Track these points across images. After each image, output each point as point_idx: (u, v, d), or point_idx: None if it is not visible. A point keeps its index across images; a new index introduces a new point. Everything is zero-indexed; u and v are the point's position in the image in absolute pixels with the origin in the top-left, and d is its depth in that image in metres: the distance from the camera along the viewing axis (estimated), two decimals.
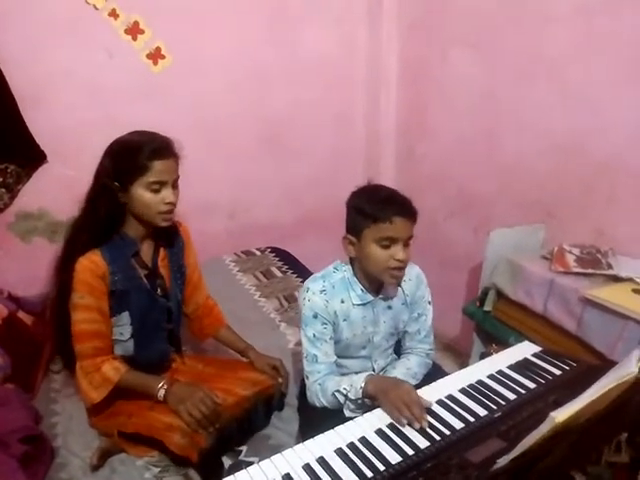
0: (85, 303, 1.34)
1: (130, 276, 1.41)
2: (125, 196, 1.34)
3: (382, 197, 1.27)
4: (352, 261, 1.37)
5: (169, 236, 1.52)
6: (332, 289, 1.35)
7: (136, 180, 1.32)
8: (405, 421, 1.07)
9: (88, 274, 1.33)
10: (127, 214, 1.38)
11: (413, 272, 1.43)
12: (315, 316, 1.33)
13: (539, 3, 1.96)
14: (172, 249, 1.54)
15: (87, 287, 1.34)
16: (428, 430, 1.04)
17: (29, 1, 2.02)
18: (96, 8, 2.13)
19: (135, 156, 1.31)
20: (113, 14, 2.16)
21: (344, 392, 1.26)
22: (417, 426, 1.06)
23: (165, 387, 1.35)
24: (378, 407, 1.17)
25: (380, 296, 1.39)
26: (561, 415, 0.60)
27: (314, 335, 1.34)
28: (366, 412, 1.19)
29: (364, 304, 1.37)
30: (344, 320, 1.36)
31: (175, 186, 1.39)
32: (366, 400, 1.23)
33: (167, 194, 1.35)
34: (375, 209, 1.24)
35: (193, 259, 1.64)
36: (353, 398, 1.24)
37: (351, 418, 1.14)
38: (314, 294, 1.34)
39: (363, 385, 1.22)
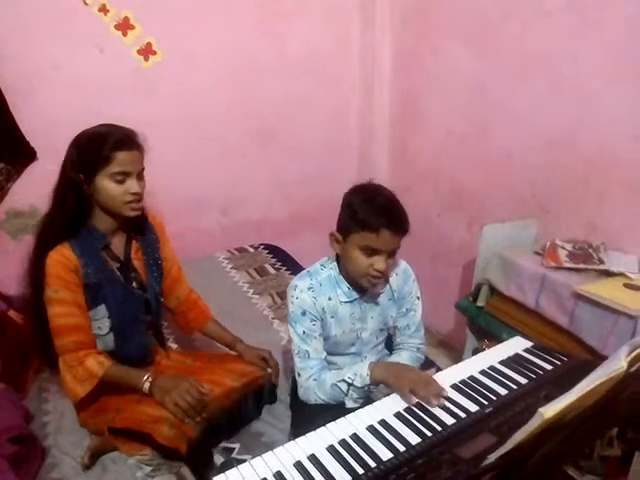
0: (60, 297, 1.34)
1: (101, 269, 1.41)
2: (90, 188, 1.34)
3: (376, 205, 1.24)
4: (338, 258, 1.37)
5: (140, 228, 1.52)
6: (319, 286, 1.35)
7: (100, 171, 1.32)
8: (415, 401, 1.10)
9: (60, 267, 1.33)
10: (95, 207, 1.38)
11: (400, 268, 1.43)
12: (304, 313, 1.33)
13: None
14: (145, 241, 1.54)
15: (60, 281, 1.33)
16: (419, 425, 1.04)
17: None
18: (86, 3, 2.11)
19: (99, 147, 1.32)
20: (103, 9, 2.15)
21: (349, 381, 1.26)
22: (435, 404, 1.08)
23: (150, 380, 1.35)
24: (374, 395, 1.18)
25: (367, 293, 1.38)
26: (550, 411, 0.60)
27: (304, 332, 1.34)
28: (366, 403, 1.21)
29: (351, 301, 1.37)
30: (332, 317, 1.37)
31: (140, 177, 1.39)
32: (372, 386, 1.24)
33: (131, 184, 1.35)
34: (366, 217, 1.22)
35: (169, 252, 1.63)
36: (359, 386, 1.25)
37: (344, 412, 1.15)
38: (302, 291, 1.33)
39: (369, 372, 1.23)
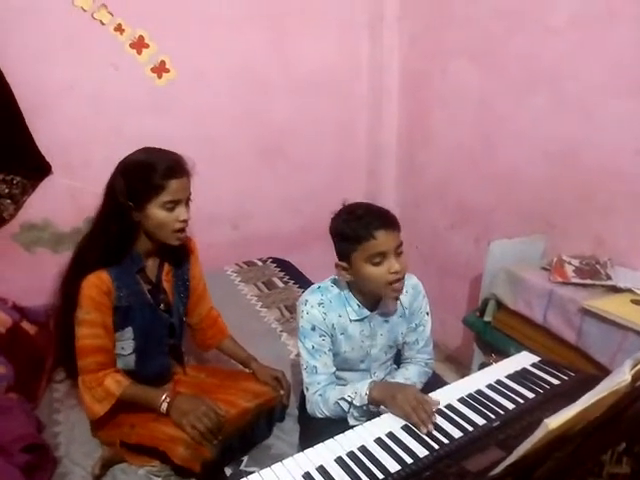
0: (90, 319, 1.34)
1: (134, 291, 1.41)
2: (139, 215, 1.34)
3: (358, 216, 1.25)
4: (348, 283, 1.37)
5: (176, 251, 1.51)
6: (330, 303, 1.35)
7: (151, 199, 1.32)
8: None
9: (94, 290, 1.33)
10: (139, 232, 1.38)
11: (410, 283, 1.43)
12: (313, 328, 1.34)
13: (536, 15, 2.00)
14: (177, 263, 1.54)
15: (93, 303, 1.34)
16: (426, 439, 1.05)
17: (36, 15, 2.06)
18: (102, 23, 2.17)
19: (150, 175, 1.31)
20: (119, 29, 2.21)
21: (349, 399, 1.26)
22: (424, 430, 1.07)
23: (167, 400, 1.35)
24: (381, 414, 1.18)
25: (377, 311, 1.39)
26: (554, 422, 0.61)
27: (313, 347, 1.34)
28: (369, 419, 1.21)
29: (361, 319, 1.37)
30: (342, 334, 1.37)
31: (188, 204, 1.40)
32: (371, 406, 1.24)
33: (181, 212, 1.36)
34: (355, 230, 1.23)
35: (198, 271, 1.64)
36: (358, 405, 1.25)
37: (352, 426, 1.16)
38: (312, 307, 1.34)
39: (368, 391, 1.24)
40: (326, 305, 1.34)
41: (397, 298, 1.37)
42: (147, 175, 1.32)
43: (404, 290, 1.38)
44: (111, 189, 1.36)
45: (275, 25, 2.58)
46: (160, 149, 1.40)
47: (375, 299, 1.37)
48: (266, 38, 2.57)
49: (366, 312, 1.36)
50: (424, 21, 2.57)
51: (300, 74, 2.70)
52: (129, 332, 1.43)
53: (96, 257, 1.35)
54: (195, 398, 1.38)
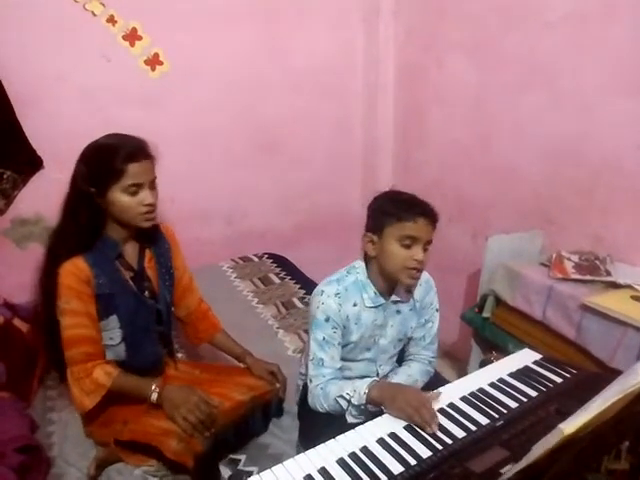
0: (72, 308, 1.33)
1: (115, 279, 1.40)
2: (103, 201, 1.33)
3: (406, 198, 1.31)
4: (367, 262, 1.37)
5: (153, 237, 1.51)
6: (345, 292, 1.35)
7: (113, 184, 1.31)
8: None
9: (72, 279, 1.32)
10: (108, 217, 1.37)
11: (423, 277, 1.43)
12: (327, 319, 1.32)
13: (534, 11, 1.98)
14: (158, 250, 1.53)
15: (72, 292, 1.32)
16: (429, 439, 1.04)
17: (27, 6, 2.02)
18: (94, 14, 2.13)
19: (110, 160, 1.30)
20: (111, 20, 2.16)
21: (347, 397, 1.25)
22: (429, 430, 1.06)
23: (157, 390, 1.34)
24: (380, 413, 1.16)
25: (392, 299, 1.38)
26: (569, 427, 0.59)
27: (324, 338, 1.33)
28: (368, 418, 1.19)
29: (376, 307, 1.36)
30: (355, 323, 1.36)
31: (153, 187, 1.38)
32: (369, 406, 1.22)
33: (145, 196, 1.34)
34: (400, 208, 1.27)
35: (181, 261, 1.62)
36: (356, 404, 1.23)
37: (353, 424, 1.14)
38: (328, 297, 1.33)
39: (367, 391, 1.22)
40: (342, 295, 1.34)
41: (410, 290, 1.39)
42: (107, 160, 1.31)
43: (417, 283, 1.40)
44: (74, 176, 1.35)
45: (270, 19, 2.54)
46: (122, 134, 1.38)
47: (391, 286, 1.37)
48: (261, 32, 2.53)
49: (381, 300, 1.36)
50: (420, 15, 2.55)
51: (295, 68, 2.67)
52: (114, 320, 1.41)
53: (69, 246, 1.34)
54: (186, 387, 1.37)
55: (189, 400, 1.30)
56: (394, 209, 1.27)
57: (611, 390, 0.68)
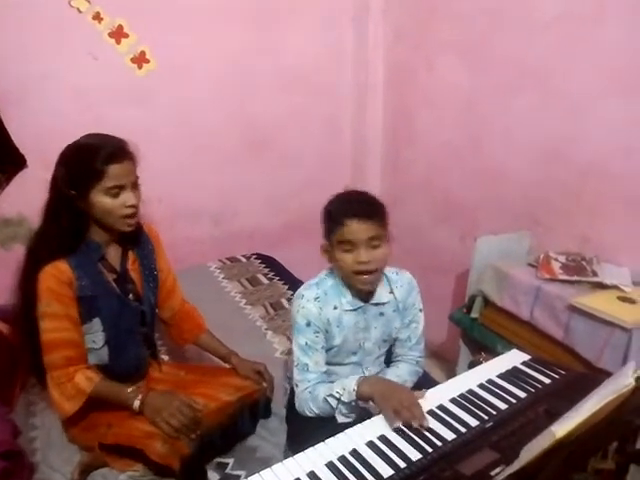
0: (52, 311, 1.30)
1: (97, 281, 1.37)
2: (84, 203, 1.30)
3: (341, 200, 1.30)
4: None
5: (136, 239, 1.48)
6: (325, 295, 1.34)
7: (93, 187, 1.28)
8: (399, 424, 1.07)
9: (53, 281, 1.29)
10: (90, 220, 1.34)
11: (405, 278, 1.43)
12: (308, 324, 1.32)
13: (524, 13, 1.98)
14: (142, 252, 1.50)
15: (53, 294, 1.29)
16: (419, 441, 1.03)
17: (11, 4, 1.98)
18: (80, 11, 2.09)
19: (89, 162, 1.27)
20: (97, 17, 2.13)
21: (337, 395, 1.25)
22: (417, 424, 1.05)
23: (139, 398, 1.31)
24: (370, 412, 1.16)
25: (371, 302, 1.37)
26: (561, 430, 0.59)
27: (306, 343, 1.32)
28: (358, 417, 1.20)
29: (355, 309, 1.36)
30: (337, 326, 1.35)
31: (135, 188, 1.36)
32: (359, 402, 1.22)
33: (127, 197, 1.32)
34: (334, 213, 1.27)
35: (165, 263, 1.60)
36: (346, 401, 1.23)
37: (342, 425, 1.13)
38: (308, 301, 1.32)
39: (356, 387, 1.21)
40: (322, 299, 1.33)
41: (368, 291, 1.36)
42: (87, 161, 1.28)
43: (398, 284, 1.40)
44: (54, 179, 1.32)
45: (259, 17, 2.52)
46: (102, 134, 1.35)
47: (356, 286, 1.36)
48: (250, 30, 2.51)
49: (359, 303, 1.36)
50: (410, 15, 2.54)
51: (284, 67, 2.65)
52: (97, 324, 1.38)
53: (50, 249, 1.31)
54: (168, 394, 1.34)
55: (171, 405, 1.27)
56: (330, 215, 1.28)
57: (602, 392, 0.67)
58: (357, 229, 1.23)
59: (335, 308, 1.34)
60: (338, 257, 1.27)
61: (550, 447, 0.61)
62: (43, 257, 1.30)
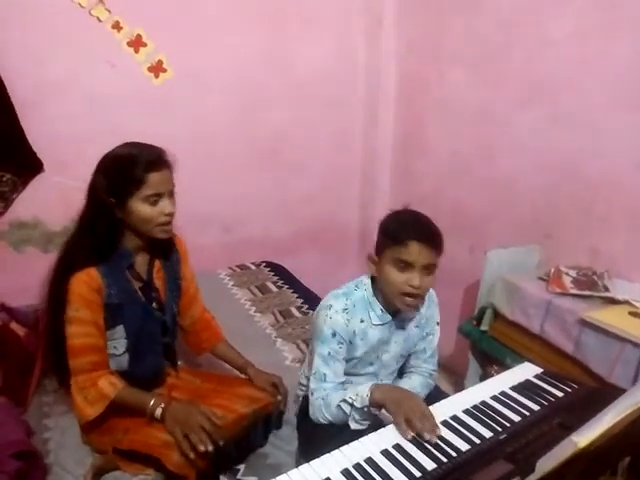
0: (80, 316, 1.31)
1: (125, 289, 1.39)
2: (122, 211, 1.32)
3: (404, 220, 1.29)
4: (373, 279, 1.37)
5: (165, 248, 1.50)
6: (353, 308, 1.34)
7: (133, 194, 1.30)
8: (410, 435, 1.07)
9: (84, 287, 1.30)
10: (124, 228, 1.36)
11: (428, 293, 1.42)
12: (334, 334, 1.32)
13: (536, 27, 2.01)
14: (168, 261, 1.52)
15: (82, 300, 1.31)
16: (434, 451, 1.04)
17: (32, 10, 2.03)
18: (100, 20, 2.14)
19: (130, 170, 1.29)
20: (116, 26, 2.18)
21: (350, 401, 1.25)
22: (428, 437, 1.05)
23: (162, 406, 1.31)
24: (382, 419, 1.16)
25: (398, 318, 1.38)
26: (583, 440, 0.60)
27: (329, 353, 1.32)
28: (371, 424, 1.20)
29: (383, 324, 1.36)
30: (361, 339, 1.35)
31: (171, 196, 1.37)
32: (372, 409, 1.23)
33: (165, 205, 1.34)
34: (396, 230, 1.26)
35: (189, 272, 1.62)
36: (359, 406, 1.23)
37: (354, 433, 1.14)
38: (336, 312, 1.32)
39: (369, 393, 1.22)
40: (350, 311, 1.33)
41: (417, 309, 1.36)
42: (127, 170, 1.29)
43: (415, 310, 1.39)
44: (93, 187, 1.34)
45: (273, 28, 2.57)
46: (140, 143, 1.37)
47: (395, 305, 1.36)
48: (264, 41, 2.56)
49: (388, 317, 1.36)
50: (422, 27, 2.58)
51: (297, 77, 2.69)
52: (120, 331, 1.39)
53: (83, 257, 1.32)
54: (190, 406, 1.33)
55: (192, 417, 1.27)
56: (391, 231, 1.27)
57: (623, 403, 0.68)
58: (418, 252, 1.23)
59: (362, 321, 1.34)
60: (388, 273, 1.26)
61: (571, 457, 0.61)
62: (76, 263, 1.32)
